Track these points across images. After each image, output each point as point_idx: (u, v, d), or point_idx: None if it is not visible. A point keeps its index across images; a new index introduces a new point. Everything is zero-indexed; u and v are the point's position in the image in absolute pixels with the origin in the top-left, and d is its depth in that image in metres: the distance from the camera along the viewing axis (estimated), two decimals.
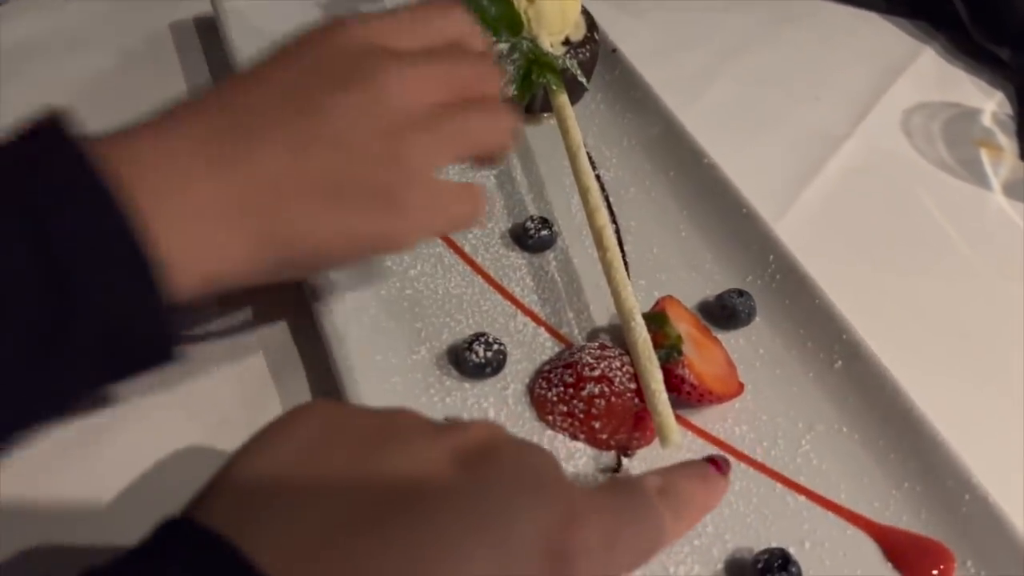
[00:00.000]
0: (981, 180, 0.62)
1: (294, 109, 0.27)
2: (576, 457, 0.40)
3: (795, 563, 0.36)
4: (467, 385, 0.42)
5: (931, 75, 0.70)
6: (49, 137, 0.24)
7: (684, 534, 0.31)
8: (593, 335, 0.46)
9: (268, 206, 0.27)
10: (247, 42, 0.56)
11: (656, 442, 0.40)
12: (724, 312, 0.46)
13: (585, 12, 0.59)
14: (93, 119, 0.55)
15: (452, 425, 0.26)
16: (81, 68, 0.59)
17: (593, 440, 0.41)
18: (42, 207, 0.23)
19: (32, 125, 0.25)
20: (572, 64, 0.55)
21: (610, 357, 0.41)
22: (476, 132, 0.32)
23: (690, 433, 0.42)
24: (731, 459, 0.41)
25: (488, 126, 0.33)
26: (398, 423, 0.25)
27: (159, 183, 0.25)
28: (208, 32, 0.62)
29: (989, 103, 0.68)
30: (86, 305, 0.23)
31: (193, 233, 0.26)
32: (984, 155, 0.63)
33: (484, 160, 0.34)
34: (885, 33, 0.74)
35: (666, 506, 0.28)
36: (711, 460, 0.33)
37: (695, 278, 0.49)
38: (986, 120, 0.67)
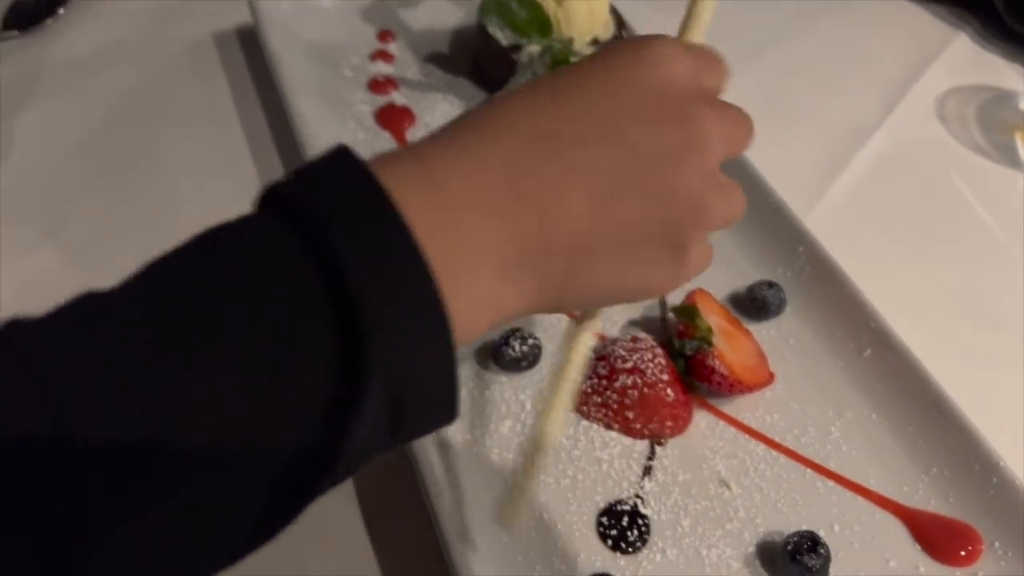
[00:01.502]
0: (1017, 165, 0.61)
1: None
2: (610, 446, 0.42)
3: (824, 544, 0.37)
4: (504, 378, 0.44)
5: (965, 61, 0.70)
6: (346, 168, 0.23)
7: None
8: (625, 328, 0.47)
9: (551, 259, 0.26)
10: (287, 50, 0.59)
11: (689, 430, 0.42)
12: (755, 304, 0.47)
13: (613, 10, 0.60)
14: (143, 129, 0.58)
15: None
16: (127, 79, 0.62)
17: (627, 430, 0.42)
18: (338, 246, 0.21)
19: (329, 156, 0.24)
20: None
21: (642, 349, 0.43)
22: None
23: (722, 421, 0.43)
24: (762, 446, 0.42)
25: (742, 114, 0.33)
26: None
27: (446, 239, 0.23)
28: (250, 41, 0.65)
29: None
30: (380, 364, 0.21)
31: (478, 291, 0.24)
32: (1019, 140, 0.63)
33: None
34: (918, 19, 0.74)
35: None
36: None
37: (725, 271, 0.50)
38: (1023, 104, 0.66)
